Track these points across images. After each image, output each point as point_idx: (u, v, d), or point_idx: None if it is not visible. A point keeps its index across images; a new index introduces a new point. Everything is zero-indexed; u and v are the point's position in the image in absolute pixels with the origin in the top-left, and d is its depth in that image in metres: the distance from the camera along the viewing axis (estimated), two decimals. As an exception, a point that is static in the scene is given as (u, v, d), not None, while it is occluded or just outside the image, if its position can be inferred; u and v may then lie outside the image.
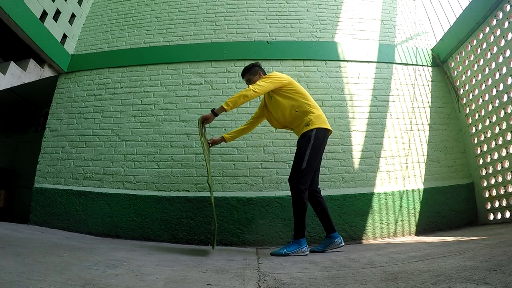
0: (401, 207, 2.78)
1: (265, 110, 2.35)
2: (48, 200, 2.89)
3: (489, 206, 2.80)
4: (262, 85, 2.05)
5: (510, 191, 2.57)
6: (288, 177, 2.08)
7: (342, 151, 2.91)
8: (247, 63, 3.22)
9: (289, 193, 2.67)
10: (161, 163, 2.92)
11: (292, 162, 2.10)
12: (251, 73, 2.29)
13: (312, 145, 1.99)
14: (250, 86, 2.06)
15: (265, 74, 2.29)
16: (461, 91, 3.22)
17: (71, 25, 3.53)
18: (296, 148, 2.10)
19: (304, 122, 2.07)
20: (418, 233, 2.74)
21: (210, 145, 2.35)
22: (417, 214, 2.79)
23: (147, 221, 2.71)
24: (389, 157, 2.98)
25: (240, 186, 2.79)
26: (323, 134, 2.06)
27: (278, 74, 2.15)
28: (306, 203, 1.98)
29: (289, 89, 2.13)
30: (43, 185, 2.98)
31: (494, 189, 2.74)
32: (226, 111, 2.04)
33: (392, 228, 2.72)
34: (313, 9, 3.58)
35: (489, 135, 2.85)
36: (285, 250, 1.90)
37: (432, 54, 3.49)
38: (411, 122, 3.16)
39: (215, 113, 2.07)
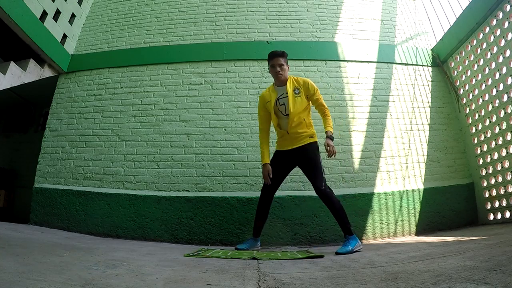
0: (401, 207, 2.78)
1: (276, 113, 2.28)
2: (48, 200, 2.89)
3: (489, 206, 2.80)
4: (322, 98, 2.36)
5: (510, 191, 2.57)
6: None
7: (342, 151, 2.91)
8: (247, 63, 3.27)
9: (289, 193, 2.72)
10: (161, 163, 2.92)
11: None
12: (286, 61, 2.32)
13: (319, 154, 2.21)
14: (323, 108, 2.32)
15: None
16: (461, 91, 3.22)
17: (71, 25, 3.53)
18: (307, 159, 2.18)
19: (308, 133, 2.23)
20: (418, 233, 2.74)
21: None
22: (417, 214, 2.79)
23: (147, 221, 2.71)
24: (389, 157, 2.97)
25: (240, 186, 2.79)
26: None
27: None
28: (339, 200, 2.12)
29: (313, 99, 2.34)
30: (43, 185, 2.98)
31: (494, 189, 2.74)
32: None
33: (392, 228, 2.72)
34: (313, 9, 3.58)
35: (489, 135, 2.85)
36: (350, 247, 1.94)
37: (432, 54, 3.49)
38: (411, 122, 3.16)
39: (332, 137, 2.21)
